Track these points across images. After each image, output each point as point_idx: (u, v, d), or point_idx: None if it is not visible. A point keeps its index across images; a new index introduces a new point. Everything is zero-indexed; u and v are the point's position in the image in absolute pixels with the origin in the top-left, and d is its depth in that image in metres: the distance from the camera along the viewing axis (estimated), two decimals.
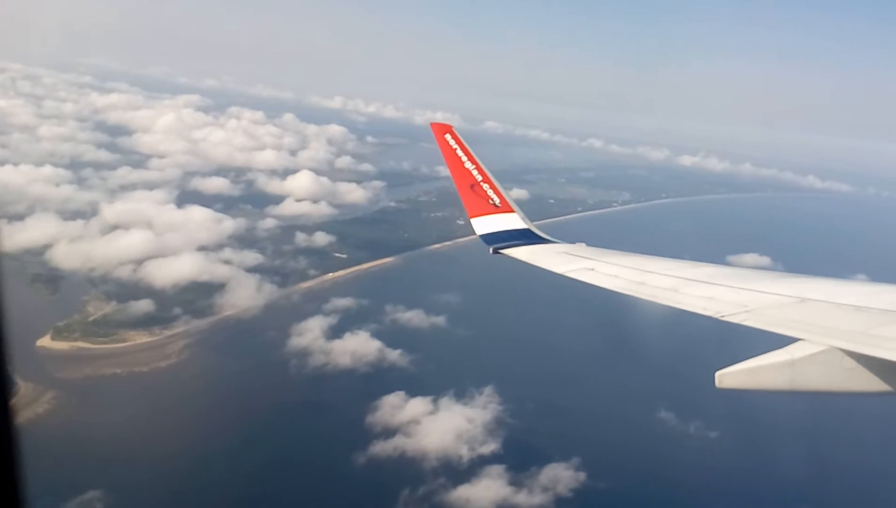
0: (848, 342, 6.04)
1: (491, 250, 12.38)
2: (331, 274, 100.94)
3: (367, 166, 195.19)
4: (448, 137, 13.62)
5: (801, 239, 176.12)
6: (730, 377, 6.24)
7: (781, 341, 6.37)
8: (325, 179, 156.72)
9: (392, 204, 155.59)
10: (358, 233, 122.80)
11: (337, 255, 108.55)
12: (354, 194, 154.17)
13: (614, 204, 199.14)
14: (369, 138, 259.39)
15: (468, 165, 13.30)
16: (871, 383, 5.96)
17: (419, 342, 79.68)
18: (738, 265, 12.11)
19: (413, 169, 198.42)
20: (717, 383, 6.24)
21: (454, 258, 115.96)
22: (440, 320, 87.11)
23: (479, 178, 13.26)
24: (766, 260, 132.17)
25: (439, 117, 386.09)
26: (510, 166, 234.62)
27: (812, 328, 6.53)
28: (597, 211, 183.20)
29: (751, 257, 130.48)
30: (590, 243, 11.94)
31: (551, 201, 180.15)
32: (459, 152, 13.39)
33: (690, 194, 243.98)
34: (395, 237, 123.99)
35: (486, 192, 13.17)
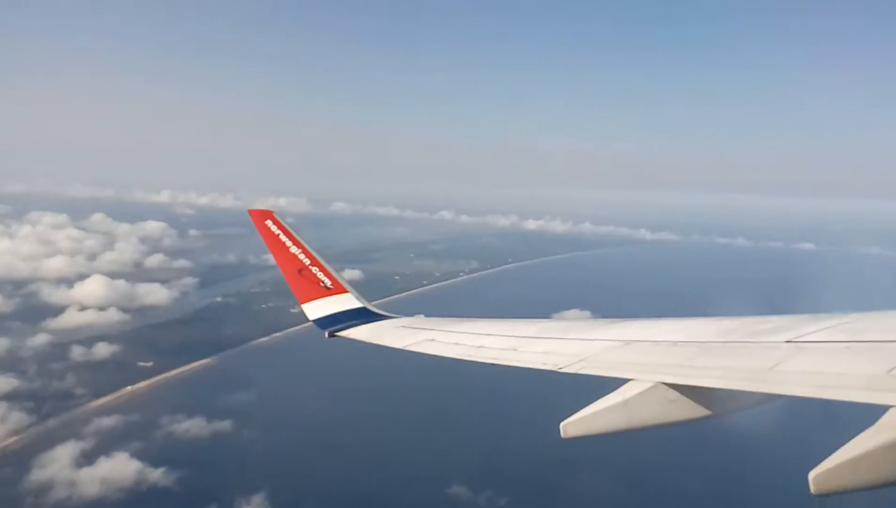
0: (670, 376, 6.36)
1: (326, 334, 11.90)
2: (129, 387, 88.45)
3: (182, 263, 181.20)
4: (269, 222, 13.21)
5: (633, 287, 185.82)
6: (572, 426, 6.35)
7: (615, 383, 6.58)
8: (121, 283, 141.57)
9: (218, 299, 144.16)
10: (165, 337, 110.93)
11: (141, 364, 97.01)
12: (156, 295, 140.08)
13: (461, 274, 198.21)
14: (192, 232, 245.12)
15: (293, 249, 12.96)
16: (693, 410, 6.16)
17: (192, 454, 71.75)
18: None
19: (240, 260, 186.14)
20: (562, 433, 6.34)
21: (279, 350, 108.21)
22: (224, 425, 79.20)
23: (307, 261, 12.94)
24: (586, 313, 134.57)
25: (283, 203, 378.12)
26: (358, 246, 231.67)
27: (638, 368, 6.86)
28: (444, 283, 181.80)
29: (572, 313, 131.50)
30: (435, 315, 11.55)
31: (396, 277, 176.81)
32: (283, 238, 13.03)
33: (536, 256, 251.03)
34: (215, 336, 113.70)
35: (315, 275, 12.90)
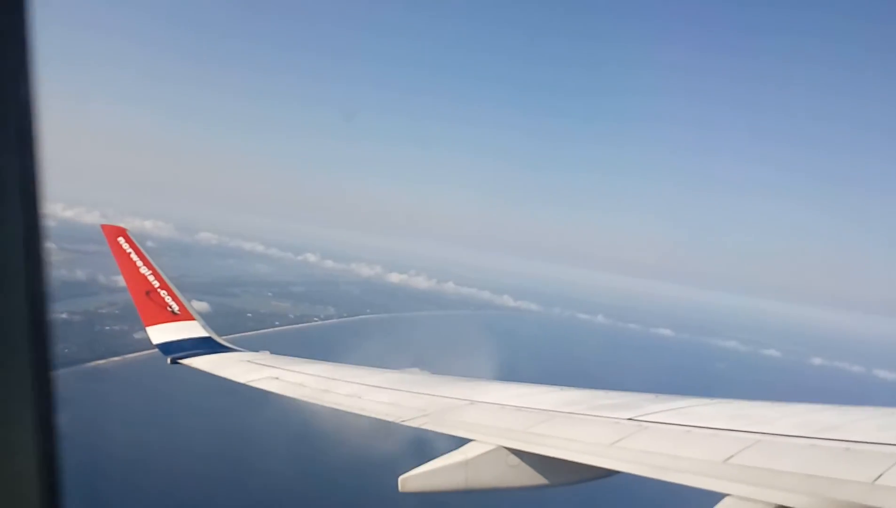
0: (512, 441, 6.44)
1: (169, 360, 11.75)
2: None
3: None
4: (121, 240, 12.81)
5: (484, 351, 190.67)
6: (411, 480, 6.30)
7: (458, 442, 6.60)
8: None
9: (63, 316, 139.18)
10: None
11: None
12: None
13: (316, 318, 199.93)
14: (48, 246, 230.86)
15: (144, 270, 12.69)
16: (533, 478, 6.25)
17: None
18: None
19: (93, 278, 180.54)
20: (400, 487, 6.25)
21: (113, 375, 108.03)
22: None
23: (157, 284, 12.62)
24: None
25: (148, 225, 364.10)
26: (217, 278, 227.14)
27: (481, 429, 6.89)
28: (297, 325, 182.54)
29: (417, 371, 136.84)
30: (282, 355, 11.60)
31: (249, 314, 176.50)
32: (134, 257, 12.73)
33: (395, 310, 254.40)
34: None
35: (163, 299, 12.58)
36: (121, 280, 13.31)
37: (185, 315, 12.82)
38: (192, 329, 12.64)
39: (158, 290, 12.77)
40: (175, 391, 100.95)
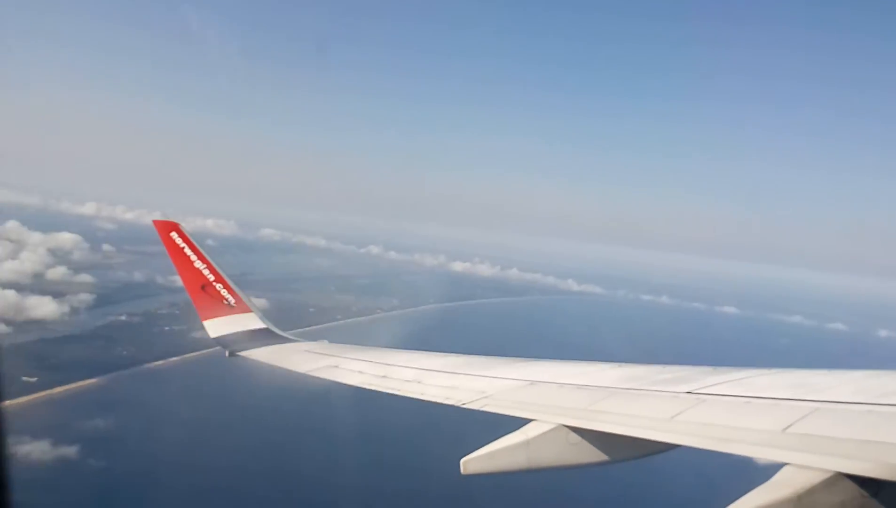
0: (572, 419, 6.41)
1: (227, 354, 11.69)
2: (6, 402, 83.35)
3: (85, 278, 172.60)
4: (174, 235, 12.70)
5: (551, 336, 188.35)
6: (473, 462, 6.31)
7: (518, 423, 6.54)
8: (10, 293, 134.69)
9: (122, 318, 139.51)
10: (56, 352, 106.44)
11: (25, 380, 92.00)
12: (45, 308, 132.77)
13: (379, 311, 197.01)
14: (106, 247, 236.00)
15: (198, 264, 12.56)
16: (593, 455, 6.19)
17: (25, 482, 66.74)
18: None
19: (152, 279, 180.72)
20: (462, 469, 6.28)
21: (170, 375, 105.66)
22: (71, 450, 74.94)
23: (212, 278, 12.54)
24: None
25: (210, 224, 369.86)
26: (280, 274, 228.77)
27: (541, 409, 6.87)
28: (359, 318, 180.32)
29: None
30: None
31: (311, 309, 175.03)
32: (188, 251, 12.60)
33: (459, 299, 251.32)
34: (108, 355, 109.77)
35: (219, 292, 12.50)
36: (179, 280, 12.90)
37: (241, 308, 12.66)
38: (249, 321, 12.51)
39: (214, 283, 12.62)
40: (233, 390, 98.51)
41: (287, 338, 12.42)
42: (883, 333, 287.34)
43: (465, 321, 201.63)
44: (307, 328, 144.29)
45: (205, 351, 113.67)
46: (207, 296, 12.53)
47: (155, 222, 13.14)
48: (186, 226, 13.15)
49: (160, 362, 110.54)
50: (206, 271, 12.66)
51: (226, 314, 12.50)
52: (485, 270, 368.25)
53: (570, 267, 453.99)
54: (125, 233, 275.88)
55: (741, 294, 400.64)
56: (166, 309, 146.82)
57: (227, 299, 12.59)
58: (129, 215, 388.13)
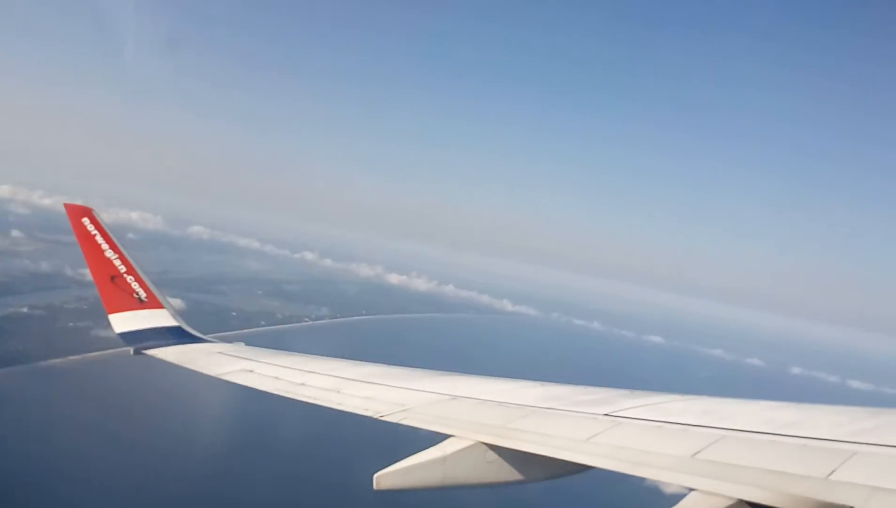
0: (490, 437, 6.33)
1: (132, 351, 11.06)
2: None
3: None
4: (86, 221, 11.91)
5: (477, 355, 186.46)
6: (387, 477, 6.11)
7: (436, 437, 6.37)
8: None
9: (24, 310, 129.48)
10: None
11: None
12: None
13: (306, 319, 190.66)
14: (15, 233, 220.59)
15: (110, 253, 11.86)
16: (510, 474, 6.14)
17: None
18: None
19: (56, 270, 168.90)
20: (376, 484, 6.07)
21: (67, 374, 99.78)
22: None
23: (123, 269, 11.86)
24: None
25: (135, 217, 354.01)
26: (205, 275, 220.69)
27: (460, 424, 6.74)
28: (284, 326, 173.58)
29: None
30: None
31: (234, 313, 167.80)
32: (100, 239, 11.87)
33: (392, 311, 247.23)
34: (1, 349, 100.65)
35: (129, 285, 11.85)
36: (89, 273, 11.80)
37: (153, 303, 11.88)
38: (160, 318, 11.78)
39: (125, 275, 11.86)
40: (131, 393, 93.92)
41: (200, 338, 11.86)
42: (795, 370, 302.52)
43: (393, 335, 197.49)
44: (226, 333, 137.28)
45: (108, 351, 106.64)
46: (116, 288, 11.84)
47: (66, 205, 12.39)
48: (107, 217, 12.27)
49: (58, 359, 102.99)
50: (117, 262, 11.88)
51: (135, 309, 11.77)
52: (421, 284, 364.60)
53: (507, 287, 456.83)
54: (40, 219, 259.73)
55: (668, 324, 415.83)
56: (73, 303, 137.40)
57: (137, 293, 11.88)
58: (46, 201, 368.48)
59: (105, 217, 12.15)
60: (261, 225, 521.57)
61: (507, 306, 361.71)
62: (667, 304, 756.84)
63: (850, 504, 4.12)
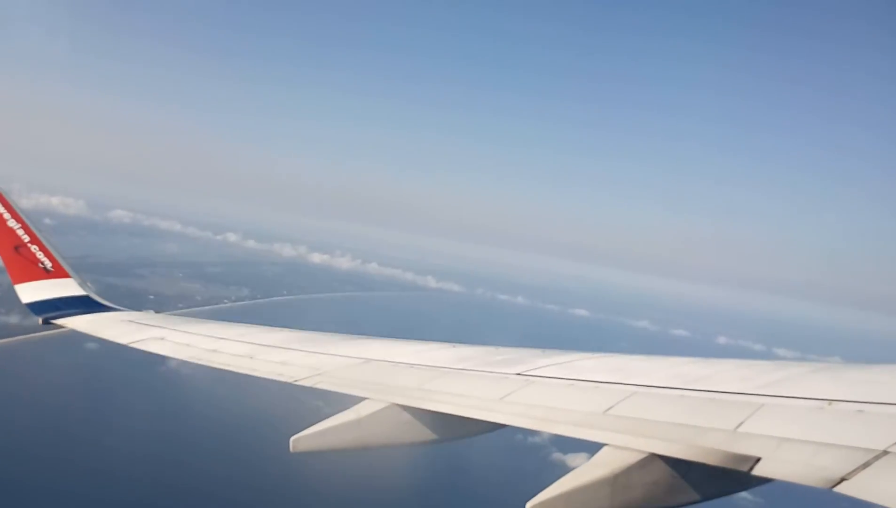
0: (404, 398, 6.45)
1: (40, 321, 11.02)
2: None
3: None
4: None
5: (399, 332, 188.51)
6: (303, 440, 6.15)
7: (353, 400, 6.56)
8: None
9: None
10: None
11: None
12: None
13: (225, 300, 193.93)
14: None
15: (12, 223, 11.65)
16: (424, 434, 6.25)
17: None
18: None
19: None
20: (292, 448, 6.10)
21: None
22: None
23: (27, 239, 11.67)
24: None
25: (56, 202, 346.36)
26: (125, 258, 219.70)
27: (374, 387, 6.84)
28: (203, 307, 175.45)
29: None
30: None
31: (151, 296, 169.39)
32: (1, 208, 11.67)
33: (314, 291, 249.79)
34: None
35: (34, 254, 11.67)
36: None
37: (59, 273, 11.79)
38: (67, 288, 11.62)
39: (29, 245, 11.73)
40: (42, 377, 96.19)
41: (109, 307, 11.66)
42: (721, 340, 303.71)
43: (313, 315, 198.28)
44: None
45: (15, 338, 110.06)
46: (21, 258, 11.67)
47: None
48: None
49: None
50: (20, 232, 11.73)
51: (41, 279, 11.62)
52: (344, 263, 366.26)
53: (431, 264, 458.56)
54: None
55: (595, 298, 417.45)
56: None
57: (42, 263, 11.72)
58: None
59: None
60: (183, 208, 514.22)
61: (431, 282, 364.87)
62: (595, 278, 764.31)
63: (758, 454, 4.21)
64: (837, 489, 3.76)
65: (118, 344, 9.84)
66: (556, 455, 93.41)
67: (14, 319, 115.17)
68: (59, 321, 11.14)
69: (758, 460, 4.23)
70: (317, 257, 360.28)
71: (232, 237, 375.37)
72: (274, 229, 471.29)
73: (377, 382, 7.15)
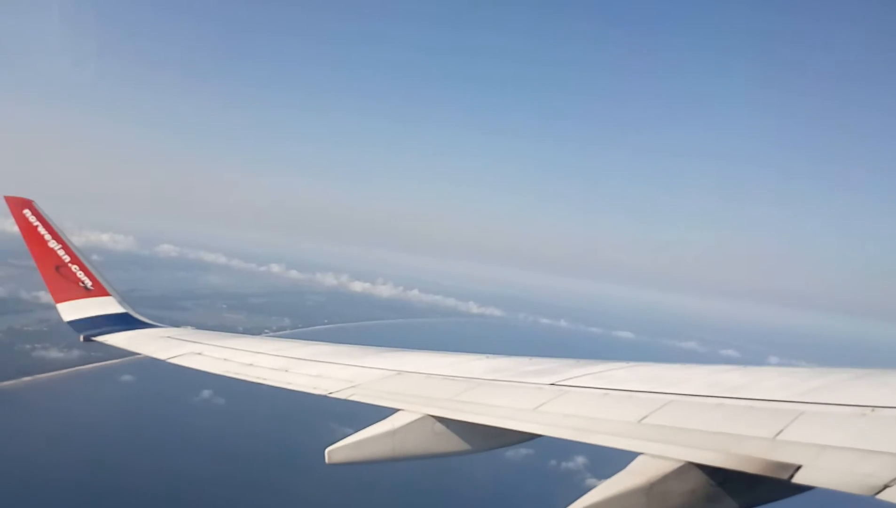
0: (438, 409, 6.47)
1: (82, 338, 11.27)
2: None
3: None
4: (27, 212, 12.02)
5: None
6: (338, 451, 6.23)
7: (387, 412, 6.60)
8: None
9: None
10: None
11: None
12: None
13: (266, 331, 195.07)
14: None
15: (53, 244, 11.91)
16: (458, 444, 6.30)
17: None
18: None
19: (17, 295, 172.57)
20: (327, 459, 6.19)
21: (13, 396, 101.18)
22: None
23: (67, 259, 11.96)
24: None
25: (105, 239, 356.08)
26: (171, 292, 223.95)
27: (408, 399, 6.89)
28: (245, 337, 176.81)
29: None
30: None
31: (191, 328, 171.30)
32: (42, 230, 11.93)
33: (355, 319, 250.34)
34: None
35: (74, 274, 11.97)
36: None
37: (99, 291, 12.05)
38: (107, 306, 11.86)
39: (69, 265, 12.01)
40: (89, 410, 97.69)
41: (148, 323, 11.94)
42: (773, 359, 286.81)
43: (353, 342, 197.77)
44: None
45: (64, 371, 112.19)
46: (62, 278, 11.94)
47: (7, 198, 12.42)
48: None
49: (8, 381, 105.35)
50: (60, 252, 12.03)
51: (81, 297, 11.90)
52: (385, 290, 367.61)
53: (473, 289, 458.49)
54: (7, 245, 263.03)
55: (640, 320, 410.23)
56: (35, 326, 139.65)
57: (83, 282, 12.02)
58: (15, 229, 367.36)
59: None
60: (228, 240, 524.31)
61: (473, 308, 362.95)
62: (641, 300, 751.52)
63: (799, 462, 4.13)
64: (881, 496, 3.71)
65: (157, 360, 10.01)
66: (591, 481, 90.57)
67: (53, 353, 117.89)
68: (100, 339, 11.30)
69: (798, 468, 4.15)
70: (358, 286, 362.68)
71: (275, 268, 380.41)
72: (316, 259, 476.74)
73: (411, 393, 7.18)
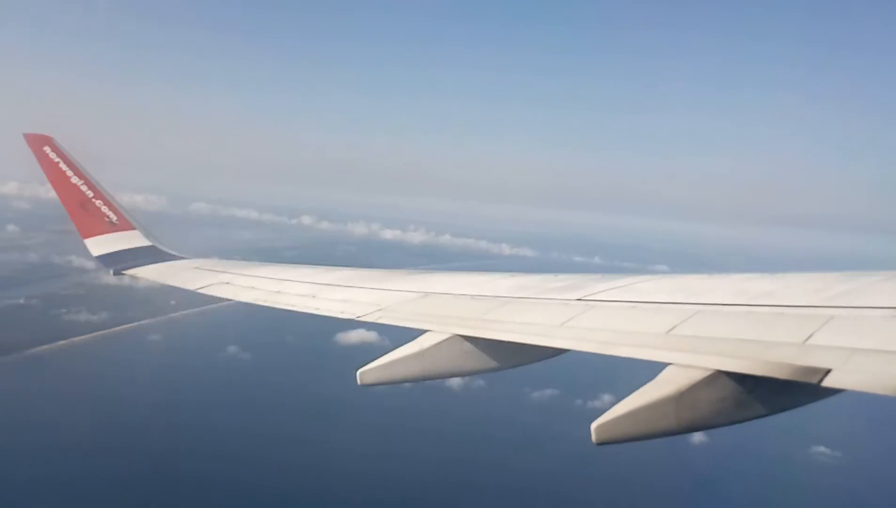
0: (465, 329, 6.52)
1: (112, 272, 11.33)
2: None
3: None
4: (48, 149, 11.92)
5: None
6: (369, 373, 6.35)
7: (414, 334, 6.67)
8: None
9: (21, 301, 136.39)
10: None
11: None
12: None
13: None
14: (11, 228, 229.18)
15: (75, 180, 11.92)
16: (486, 362, 6.40)
17: None
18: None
19: (53, 261, 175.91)
20: (359, 380, 6.32)
21: (48, 361, 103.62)
22: None
23: (91, 194, 11.98)
24: None
25: (139, 200, 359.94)
26: (203, 250, 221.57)
27: (436, 319, 6.93)
28: None
29: None
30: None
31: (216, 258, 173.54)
32: (63, 166, 11.91)
33: (388, 267, 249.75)
34: None
35: (99, 209, 11.98)
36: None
37: (124, 225, 12.13)
38: (133, 239, 11.94)
39: (93, 200, 12.03)
40: (121, 372, 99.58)
41: (175, 255, 12.00)
42: None
43: None
44: (212, 306, 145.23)
45: (94, 334, 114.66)
46: (87, 214, 11.98)
47: (26, 135, 12.34)
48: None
49: (45, 346, 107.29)
50: (84, 188, 12.02)
51: (108, 232, 11.94)
52: (417, 237, 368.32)
53: (506, 231, 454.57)
54: (43, 212, 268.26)
55: (676, 253, 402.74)
56: (70, 290, 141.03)
57: (108, 217, 12.07)
58: (52, 194, 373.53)
59: (58, 141, 12.18)
60: (258, 195, 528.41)
61: (506, 249, 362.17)
62: (678, 233, 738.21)
63: (829, 366, 4.12)
64: None
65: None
66: None
67: (84, 316, 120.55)
68: (129, 272, 11.26)
69: (828, 371, 4.13)
70: (389, 234, 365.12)
71: (307, 220, 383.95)
72: (348, 209, 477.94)
73: (438, 314, 7.17)
